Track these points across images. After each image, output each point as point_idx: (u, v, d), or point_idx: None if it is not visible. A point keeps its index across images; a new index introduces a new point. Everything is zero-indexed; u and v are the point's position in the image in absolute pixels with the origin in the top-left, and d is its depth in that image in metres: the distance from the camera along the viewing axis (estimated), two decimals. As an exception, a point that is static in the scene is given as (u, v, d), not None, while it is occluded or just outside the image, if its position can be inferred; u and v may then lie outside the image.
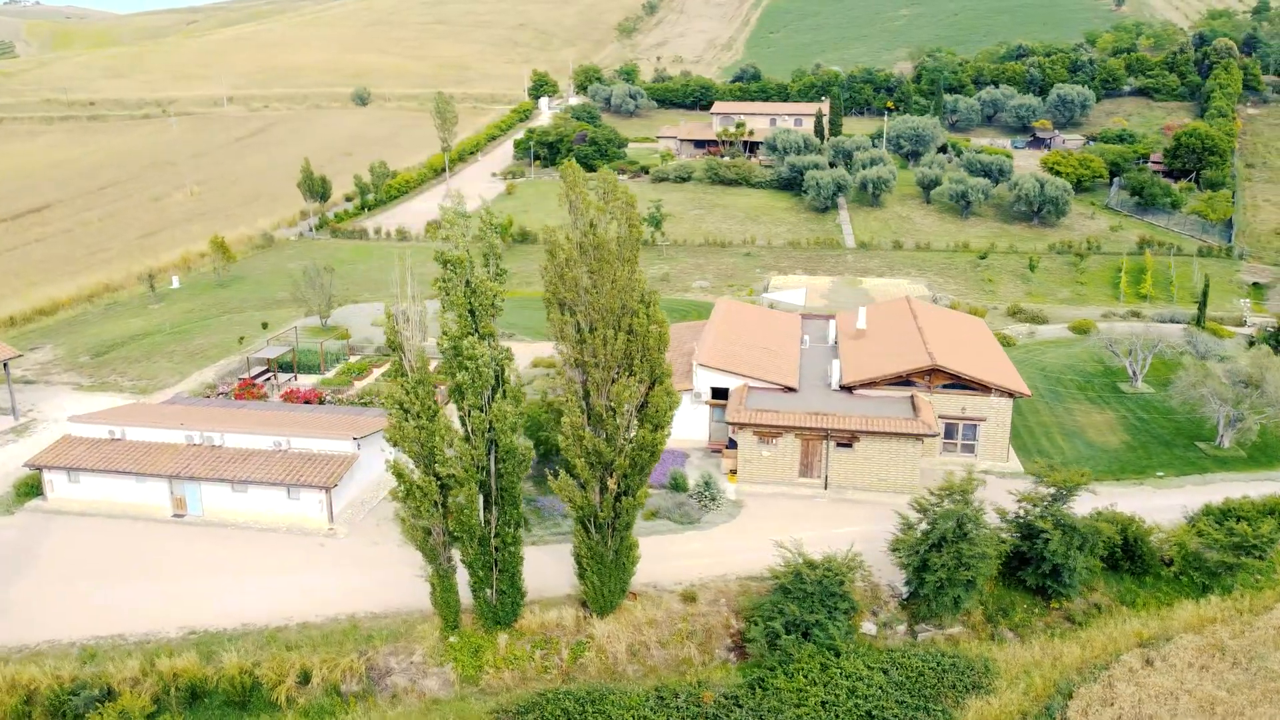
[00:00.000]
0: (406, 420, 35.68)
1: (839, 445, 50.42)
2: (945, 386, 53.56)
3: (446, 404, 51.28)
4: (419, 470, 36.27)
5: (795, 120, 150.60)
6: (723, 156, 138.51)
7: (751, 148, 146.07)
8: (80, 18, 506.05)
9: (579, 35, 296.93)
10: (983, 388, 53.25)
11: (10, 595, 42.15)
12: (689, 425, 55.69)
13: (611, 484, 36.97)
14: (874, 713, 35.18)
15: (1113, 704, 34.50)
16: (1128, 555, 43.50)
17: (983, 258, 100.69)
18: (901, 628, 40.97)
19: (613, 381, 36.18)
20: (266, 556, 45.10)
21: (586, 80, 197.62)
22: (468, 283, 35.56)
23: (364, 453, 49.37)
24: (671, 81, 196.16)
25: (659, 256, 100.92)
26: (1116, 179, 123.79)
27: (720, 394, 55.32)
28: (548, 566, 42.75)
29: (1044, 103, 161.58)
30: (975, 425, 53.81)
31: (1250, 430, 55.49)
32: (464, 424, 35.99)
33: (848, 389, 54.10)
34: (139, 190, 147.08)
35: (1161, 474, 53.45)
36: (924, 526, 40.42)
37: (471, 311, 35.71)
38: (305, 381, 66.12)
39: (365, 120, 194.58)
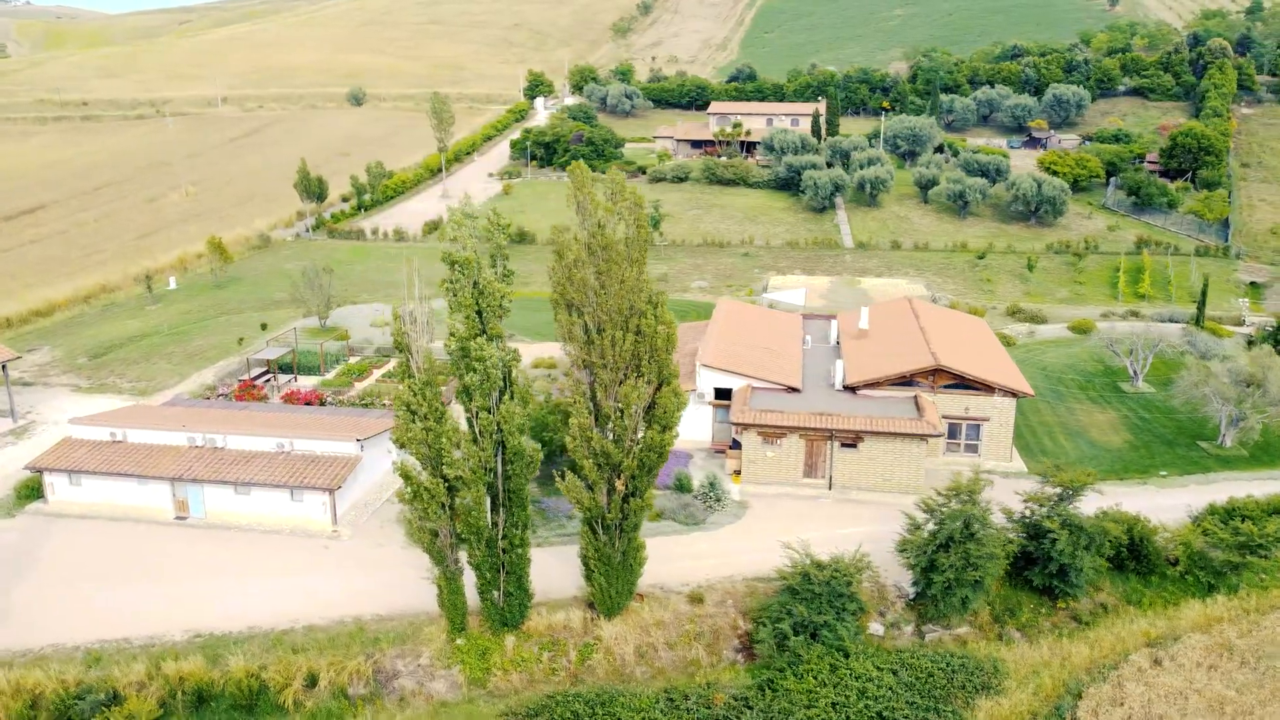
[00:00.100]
0: (414, 422, 35.54)
1: (843, 446, 50.38)
2: (948, 386, 53.56)
3: (449, 403, 51.07)
4: (426, 472, 36.13)
5: (792, 120, 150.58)
6: (720, 156, 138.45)
7: (748, 148, 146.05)
8: (72, 17, 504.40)
9: (574, 35, 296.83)
10: (986, 388, 53.27)
11: (13, 599, 41.88)
12: (692, 426, 55.54)
13: (619, 485, 36.87)
14: (885, 714, 35.15)
15: (1122, 704, 34.51)
16: (1133, 555, 43.54)
17: (981, 258, 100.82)
18: (909, 628, 40.95)
19: (620, 383, 36.09)
20: (270, 559, 44.89)
21: (582, 80, 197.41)
22: (475, 284, 35.40)
23: (367, 454, 49.21)
24: (667, 82, 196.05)
25: (657, 257, 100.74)
26: (1113, 179, 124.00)
27: (723, 394, 55.24)
28: (553, 568, 42.61)
29: (1039, 103, 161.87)
30: (979, 425, 53.83)
31: (1252, 430, 55.59)
32: (472, 425, 35.84)
33: (851, 389, 54.08)
34: (134, 191, 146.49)
35: (1164, 473, 53.52)
36: (931, 527, 40.40)
37: (479, 313, 35.57)
38: (305, 383, 65.86)
39: (361, 120, 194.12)
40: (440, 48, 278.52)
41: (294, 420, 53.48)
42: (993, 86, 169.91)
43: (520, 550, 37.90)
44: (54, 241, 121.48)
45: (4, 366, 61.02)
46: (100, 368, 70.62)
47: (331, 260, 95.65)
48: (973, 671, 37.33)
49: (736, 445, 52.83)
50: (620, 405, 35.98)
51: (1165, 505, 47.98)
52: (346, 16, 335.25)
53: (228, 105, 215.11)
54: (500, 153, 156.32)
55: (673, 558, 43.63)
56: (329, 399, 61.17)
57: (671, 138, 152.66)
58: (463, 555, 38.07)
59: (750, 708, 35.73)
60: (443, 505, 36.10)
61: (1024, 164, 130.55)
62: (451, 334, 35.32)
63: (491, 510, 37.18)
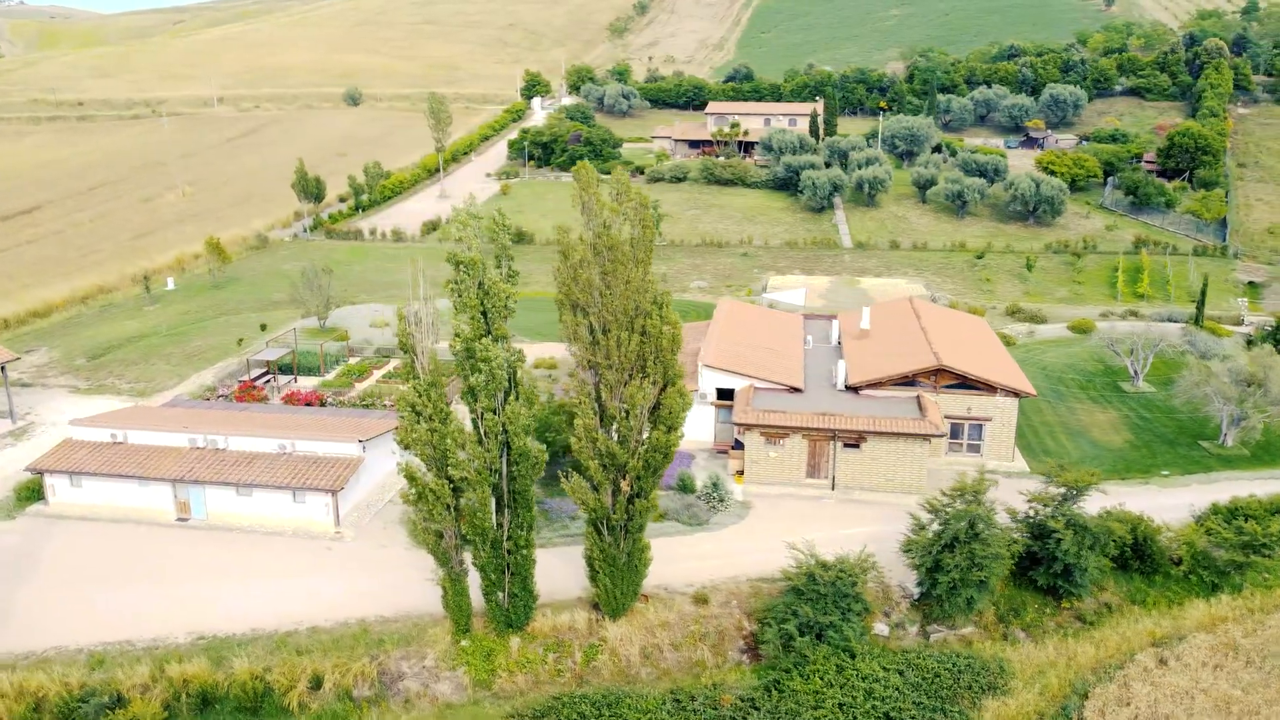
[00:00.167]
0: (419, 423, 35.41)
1: (846, 446, 50.35)
2: (950, 386, 53.55)
3: (453, 404, 50.93)
4: (431, 473, 36.01)
5: (790, 120, 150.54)
6: (718, 156, 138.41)
7: (746, 148, 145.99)
8: (65, 17, 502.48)
9: (569, 35, 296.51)
10: (988, 387, 53.26)
11: (15, 601, 41.67)
12: (694, 426, 55.26)
13: (625, 486, 36.81)
14: (892, 714, 35.11)
15: (1129, 704, 34.49)
16: (1137, 554, 43.56)
17: (979, 257, 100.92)
18: (914, 628, 40.92)
19: (626, 383, 36.01)
20: (273, 560, 44.73)
21: (579, 80, 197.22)
22: (480, 284, 35.30)
23: (369, 455, 49.06)
24: (664, 82, 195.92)
25: (656, 256, 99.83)
26: (1111, 178, 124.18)
27: (726, 395, 55.19)
28: (557, 569, 42.52)
29: (1036, 102, 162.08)
30: (981, 425, 53.83)
31: (1254, 429, 55.67)
32: (477, 426, 35.74)
33: (853, 389, 54.04)
34: (130, 191, 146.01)
35: (1166, 473, 53.57)
36: (936, 527, 40.38)
37: (484, 313, 35.47)
38: (305, 384, 65.65)
39: (357, 120, 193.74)
40: (435, 48, 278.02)
41: (295, 421, 53.29)
42: (990, 86, 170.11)
43: (525, 551, 37.82)
44: (50, 242, 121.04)
45: (3, 368, 60.74)
46: (99, 369, 70.34)
47: (330, 260, 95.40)
48: (979, 672, 37.31)
49: (739, 445, 52.79)
50: (625, 406, 35.91)
51: (1168, 505, 48.04)
52: (341, 16, 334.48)
53: (223, 105, 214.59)
54: (498, 153, 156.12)
55: (677, 558, 43.56)
56: (329, 400, 60.99)
57: (669, 138, 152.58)
58: (467, 556, 37.96)
59: (757, 708, 35.67)
60: (448, 506, 35.98)
61: (1021, 164, 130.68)
62: (457, 334, 35.23)
63: (496, 511, 37.09)
